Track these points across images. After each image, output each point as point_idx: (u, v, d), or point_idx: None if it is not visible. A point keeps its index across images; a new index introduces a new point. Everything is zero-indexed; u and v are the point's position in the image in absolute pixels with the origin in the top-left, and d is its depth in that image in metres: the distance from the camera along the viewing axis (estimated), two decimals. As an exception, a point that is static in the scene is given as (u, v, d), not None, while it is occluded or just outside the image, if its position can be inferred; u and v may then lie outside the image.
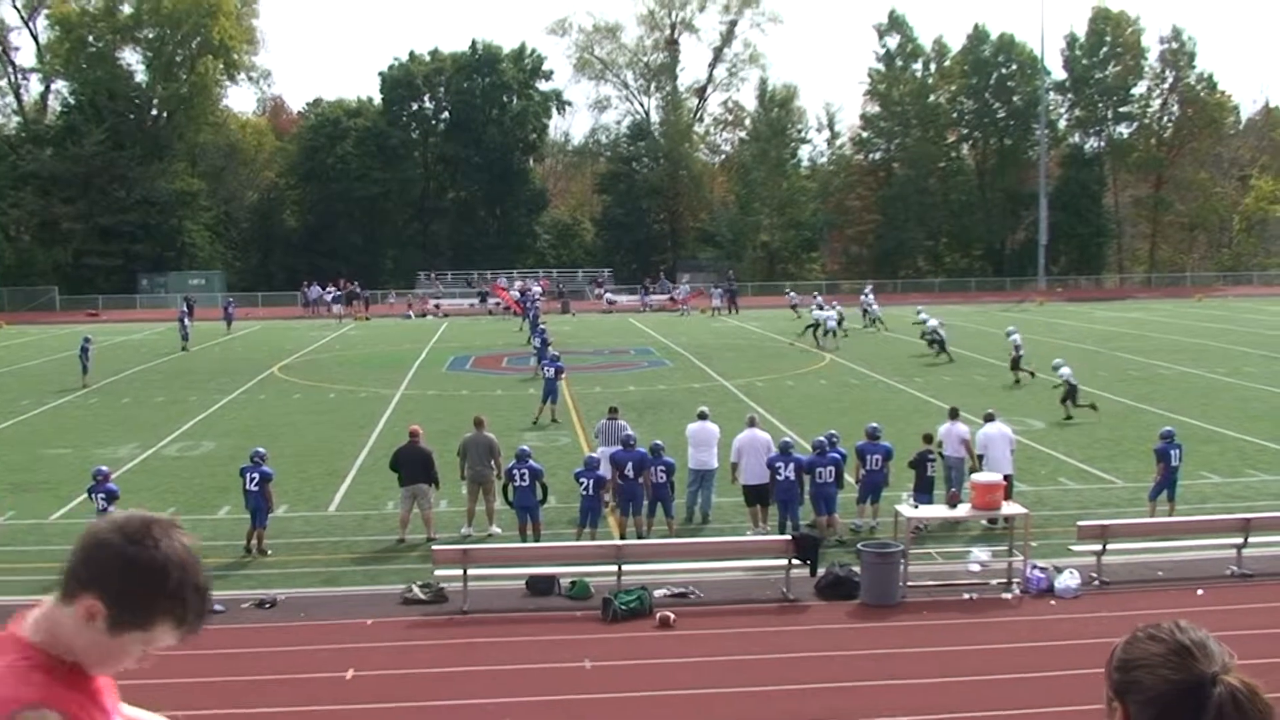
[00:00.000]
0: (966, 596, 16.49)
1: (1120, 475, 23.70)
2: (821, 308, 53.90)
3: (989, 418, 21.33)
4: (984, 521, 19.15)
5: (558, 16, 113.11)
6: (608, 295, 79.91)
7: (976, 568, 17.50)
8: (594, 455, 20.34)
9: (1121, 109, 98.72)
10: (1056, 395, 30.75)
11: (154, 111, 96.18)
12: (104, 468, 19.41)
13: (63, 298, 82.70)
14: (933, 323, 45.28)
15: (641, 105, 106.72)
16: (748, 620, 15.89)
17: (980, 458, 20.39)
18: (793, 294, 71.31)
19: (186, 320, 53.76)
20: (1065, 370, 31.73)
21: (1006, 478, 19.67)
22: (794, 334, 53.00)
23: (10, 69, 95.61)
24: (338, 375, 42.72)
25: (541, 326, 46.51)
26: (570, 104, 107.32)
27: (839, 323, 50.61)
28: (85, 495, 19.18)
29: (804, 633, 15.36)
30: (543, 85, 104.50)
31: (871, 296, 60.46)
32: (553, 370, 32.77)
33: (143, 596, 2.53)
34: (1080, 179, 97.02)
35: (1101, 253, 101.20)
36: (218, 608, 16.18)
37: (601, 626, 15.52)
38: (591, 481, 19.09)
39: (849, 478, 20.17)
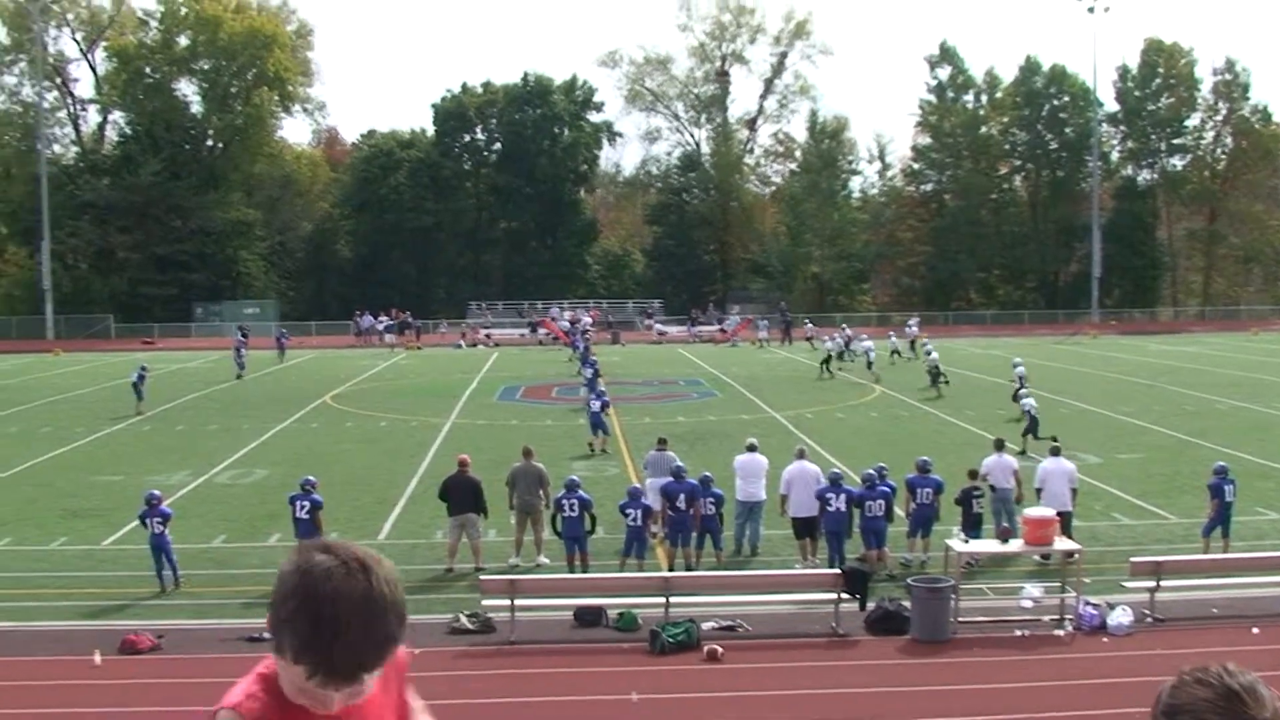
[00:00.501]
0: (1018, 633, 16.29)
1: (1174, 511, 23.39)
2: (833, 339, 54.90)
3: (1054, 451, 21.00)
4: (1036, 557, 18.93)
5: (609, 49, 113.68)
6: (657, 326, 79.94)
7: (1029, 604, 17.28)
8: (637, 486, 20.28)
9: (1175, 141, 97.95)
10: (1101, 430, 30.43)
11: (210, 142, 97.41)
12: (156, 492, 19.58)
13: (118, 326, 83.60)
14: (935, 355, 45.10)
15: (692, 136, 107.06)
16: (796, 654, 15.77)
17: (1038, 491, 20.18)
18: (810, 325, 71.46)
19: (243, 349, 54.40)
20: (1029, 402, 31.58)
21: (1064, 515, 19.51)
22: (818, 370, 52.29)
23: (69, 100, 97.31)
24: (389, 404, 42.92)
25: (593, 358, 46.59)
26: (621, 135, 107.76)
27: (840, 354, 51.93)
28: (138, 521, 19.28)
29: (853, 668, 15.22)
30: (594, 116, 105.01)
31: (915, 328, 61.82)
32: (599, 404, 32.94)
33: (294, 640, 2.50)
34: (1133, 211, 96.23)
35: (1155, 285, 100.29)
36: (266, 635, 16.22)
37: (649, 658, 15.43)
38: (639, 512, 19.05)
39: (899, 511, 20.01)
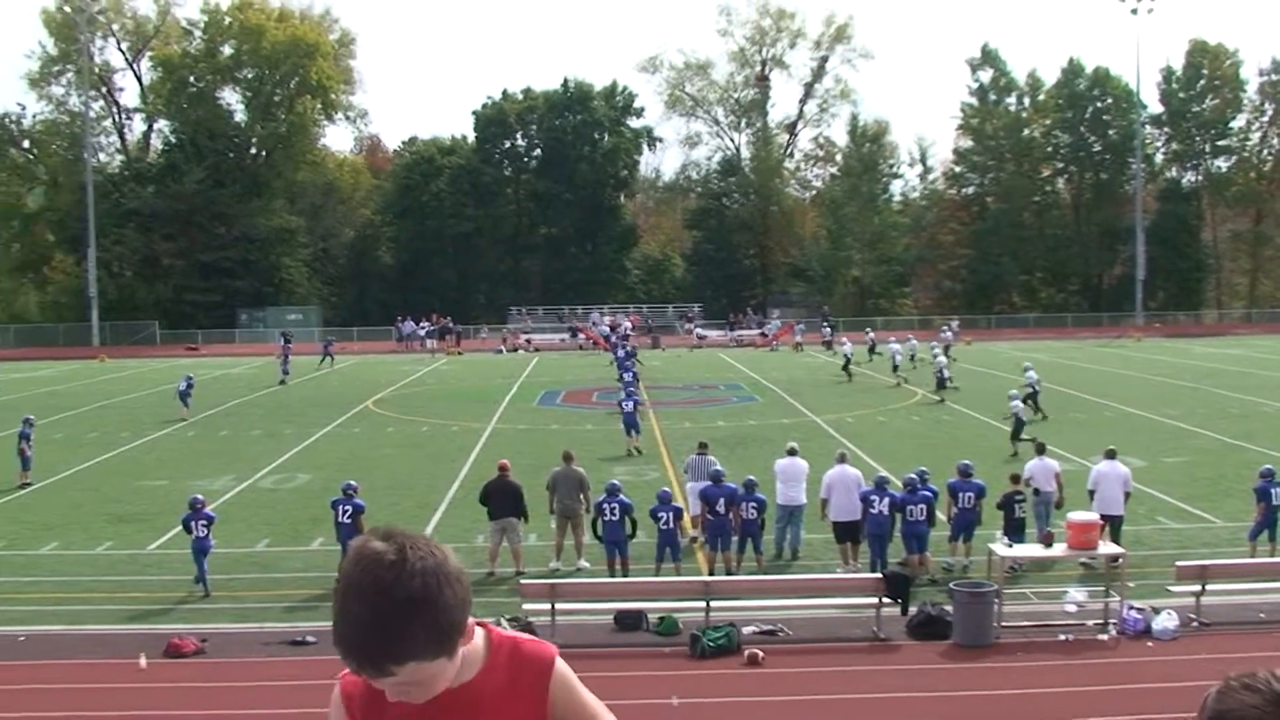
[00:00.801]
0: (1062, 637, 16.14)
1: (1220, 514, 23.14)
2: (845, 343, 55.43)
3: (1110, 454, 20.77)
4: (1082, 560, 18.76)
5: (649, 54, 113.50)
6: (697, 330, 79.84)
7: (1072, 608, 17.13)
8: (666, 490, 20.24)
9: (1220, 142, 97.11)
10: (1146, 433, 30.16)
11: (253, 150, 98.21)
12: (199, 496, 19.70)
13: (163, 332, 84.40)
14: (942, 360, 44.50)
15: (732, 141, 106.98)
16: (837, 659, 15.70)
17: (1090, 494, 20.05)
18: (827, 329, 71.77)
19: (288, 355, 54.99)
20: (1017, 404, 31.87)
21: (1115, 518, 19.50)
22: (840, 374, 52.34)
23: (115, 109, 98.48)
24: (430, 409, 43.07)
25: (631, 365, 46.76)
26: (661, 140, 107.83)
27: (846, 362, 51.45)
28: (180, 526, 19.37)
29: (895, 672, 15.13)
30: (634, 122, 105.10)
31: (950, 333, 61.96)
32: (631, 404, 33.76)
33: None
34: (1178, 213, 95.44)
35: (1200, 288, 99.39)
36: (310, 639, 16.34)
37: (689, 663, 15.41)
38: (670, 515, 19.03)
39: (940, 516, 19.88)
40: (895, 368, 49.96)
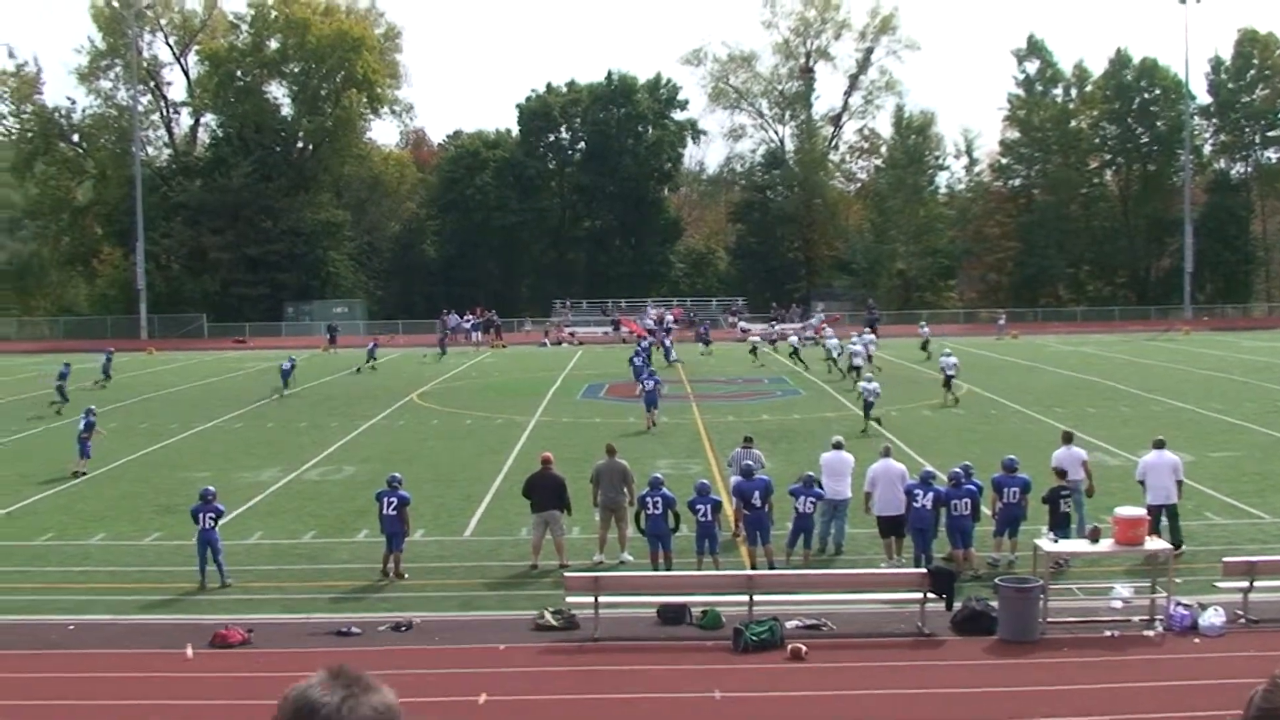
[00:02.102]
0: (1108, 634, 16.04)
1: (1268, 510, 22.89)
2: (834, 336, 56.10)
3: (1158, 444, 20.59)
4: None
5: (693, 46, 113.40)
6: (741, 324, 79.67)
7: (1119, 604, 16.99)
8: (704, 482, 20.21)
9: (1270, 133, 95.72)
10: (1194, 427, 29.84)
11: (300, 144, 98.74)
12: (210, 488, 19.79)
13: (210, 325, 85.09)
14: (950, 360, 41.85)
15: (776, 133, 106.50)
16: (881, 654, 15.65)
17: (1141, 484, 19.95)
18: (818, 319, 72.46)
19: (375, 347, 57.81)
20: (865, 385, 35.60)
21: (1170, 507, 19.54)
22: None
23: (162, 103, 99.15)
24: (475, 402, 43.24)
25: (645, 348, 50.63)
26: (705, 133, 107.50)
27: (836, 354, 51.10)
28: (191, 517, 19.51)
29: (939, 668, 15.07)
30: (678, 115, 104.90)
31: (927, 329, 62.28)
32: (652, 384, 36.13)
33: None
34: (1227, 205, 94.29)
35: (1249, 281, 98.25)
36: (355, 630, 16.46)
37: (732, 657, 15.40)
38: (708, 507, 19.02)
39: (985, 510, 19.77)
40: (833, 360, 50.45)
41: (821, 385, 46.15)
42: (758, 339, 58.41)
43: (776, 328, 73.39)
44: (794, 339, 58.44)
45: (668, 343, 59.36)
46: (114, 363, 51.27)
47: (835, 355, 50.57)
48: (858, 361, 45.24)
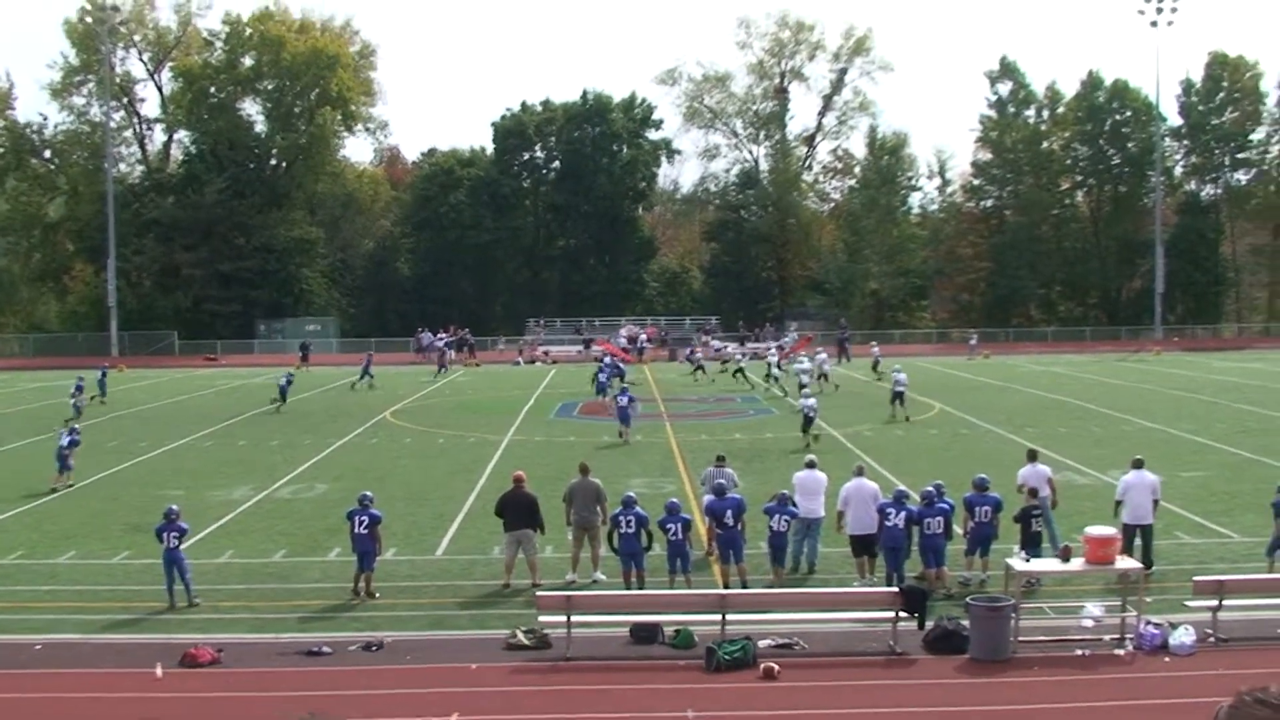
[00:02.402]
0: (1079, 652, 16.07)
1: (1237, 529, 23.00)
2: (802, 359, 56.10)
3: (1137, 464, 20.68)
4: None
5: (668, 66, 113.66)
6: (713, 343, 79.65)
7: (1090, 623, 17.05)
8: (675, 501, 20.18)
9: (1239, 155, 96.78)
10: (1163, 447, 30.00)
11: (273, 161, 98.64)
12: (174, 507, 19.62)
13: (182, 342, 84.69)
14: (901, 377, 42.41)
15: (750, 153, 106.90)
16: (853, 673, 15.64)
17: (1118, 504, 20.08)
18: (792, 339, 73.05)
19: (370, 366, 57.29)
20: (806, 403, 35.94)
21: (1145, 528, 19.78)
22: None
23: (136, 119, 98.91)
24: (448, 421, 43.12)
25: (609, 364, 51.84)
26: (679, 152, 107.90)
27: (774, 372, 52.06)
28: (155, 536, 19.32)
29: (911, 687, 15.07)
30: (652, 134, 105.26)
31: (878, 349, 63.10)
32: (625, 399, 37.59)
33: None
34: (1197, 227, 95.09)
35: (1219, 302, 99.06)
36: (326, 650, 16.37)
37: (705, 676, 15.35)
38: (679, 526, 19.01)
39: (957, 529, 19.81)
40: (769, 375, 51.98)
41: (796, 405, 46.13)
42: (741, 358, 58.31)
43: (747, 347, 73.53)
44: (772, 358, 57.99)
45: (605, 375, 50.55)
46: (85, 380, 50.95)
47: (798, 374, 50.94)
48: (804, 379, 45.03)
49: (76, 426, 31.46)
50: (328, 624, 17.80)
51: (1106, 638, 16.49)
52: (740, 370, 55.90)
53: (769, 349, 68.82)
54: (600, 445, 35.59)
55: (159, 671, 15.55)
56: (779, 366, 52.45)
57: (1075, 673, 15.41)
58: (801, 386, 43.50)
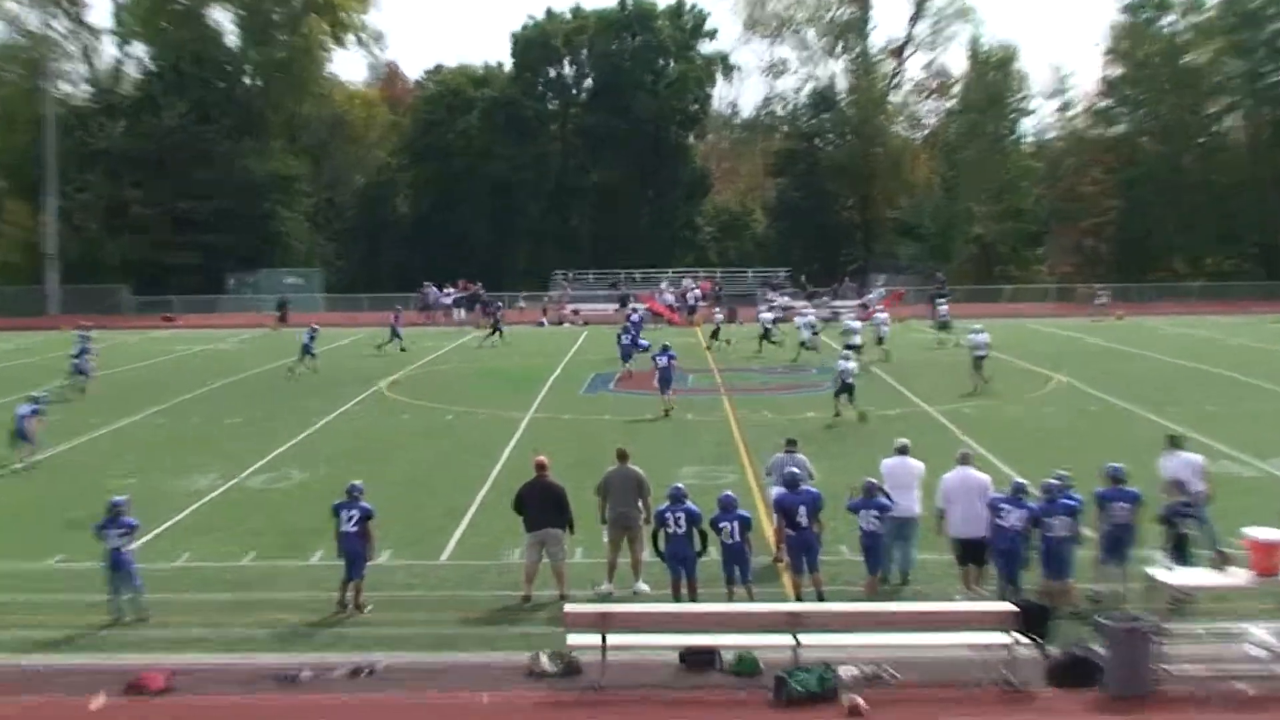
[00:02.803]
0: (1241, 688, 15.75)
1: None
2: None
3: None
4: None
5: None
6: (780, 299, 79.16)
7: (1256, 651, 16.72)
8: (729, 493, 19.87)
9: None
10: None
11: (247, 80, 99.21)
12: (120, 498, 19.51)
13: (134, 298, 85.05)
14: (981, 339, 43.18)
15: (825, 70, 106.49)
16: (958, 709, 15.41)
17: None
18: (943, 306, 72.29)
19: (399, 324, 58.86)
20: (845, 365, 36.65)
21: None
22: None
23: (81, 29, 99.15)
24: (456, 394, 43.17)
25: (636, 321, 53.17)
26: (738, 68, 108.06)
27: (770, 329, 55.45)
28: (93, 533, 19.21)
29: (1030, 728, 14.81)
30: (705, 47, 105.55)
31: (946, 308, 63.20)
32: (665, 359, 38.38)
33: None
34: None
35: None
36: (304, 674, 16.20)
37: (773, 712, 15.17)
38: (735, 525, 18.72)
39: (1087, 531, 19.43)
40: (765, 335, 55.15)
41: (883, 376, 45.83)
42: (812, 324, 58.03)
43: (820, 305, 73.21)
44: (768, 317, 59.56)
45: (629, 338, 49.87)
46: (17, 346, 51.11)
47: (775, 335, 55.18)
48: (856, 340, 47.07)
49: (37, 395, 31.87)
50: (307, 643, 17.71)
51: (1278, 669, 16.12)
52: (714, 333, 58.97)
53: (846, 309, 68.56)
54: (641, 424, 35.43)
55: (99, 702, 15.41)
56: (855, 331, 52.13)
57: (1235, 713, 15.15)
58: (847, 346, 43.42)
